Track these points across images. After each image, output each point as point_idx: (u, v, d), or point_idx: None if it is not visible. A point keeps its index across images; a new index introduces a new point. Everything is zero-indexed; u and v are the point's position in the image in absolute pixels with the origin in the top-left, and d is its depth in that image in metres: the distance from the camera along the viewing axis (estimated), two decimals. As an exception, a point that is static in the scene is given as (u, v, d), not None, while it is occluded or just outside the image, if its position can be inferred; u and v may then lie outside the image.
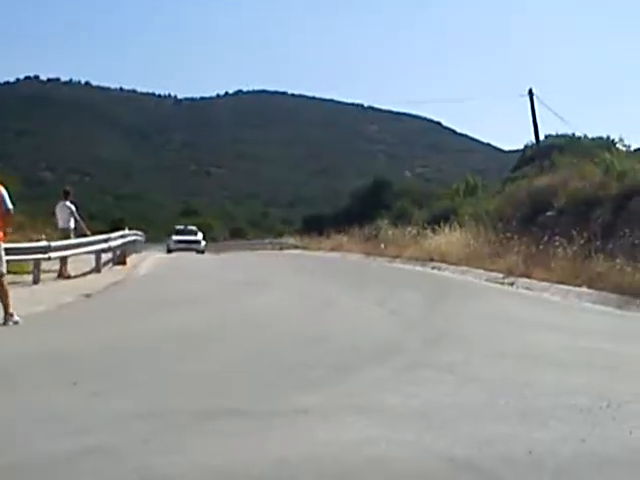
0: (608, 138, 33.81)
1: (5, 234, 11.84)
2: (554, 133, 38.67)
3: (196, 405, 5.97)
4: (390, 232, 32.97)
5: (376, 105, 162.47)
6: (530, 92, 33.78)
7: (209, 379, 7.08)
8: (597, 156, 23.99)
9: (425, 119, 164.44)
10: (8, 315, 10.95)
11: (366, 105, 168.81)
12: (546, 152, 33.48)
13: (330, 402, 6.11)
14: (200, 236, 48.97)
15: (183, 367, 7.62)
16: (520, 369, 7.77)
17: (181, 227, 51.36)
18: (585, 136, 36.59)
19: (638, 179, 19.89)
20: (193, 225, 53.86)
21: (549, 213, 23.13)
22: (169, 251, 43.92)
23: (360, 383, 6.88)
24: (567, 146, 33.59)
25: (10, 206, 11.66)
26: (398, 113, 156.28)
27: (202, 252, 44.84)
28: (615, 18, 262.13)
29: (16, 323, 10.83)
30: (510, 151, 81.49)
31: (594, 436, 5.20)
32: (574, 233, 18.64)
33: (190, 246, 45.43)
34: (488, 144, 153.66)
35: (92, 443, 4.86)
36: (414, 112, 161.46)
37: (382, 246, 30.23)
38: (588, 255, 17.34)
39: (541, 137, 35.42)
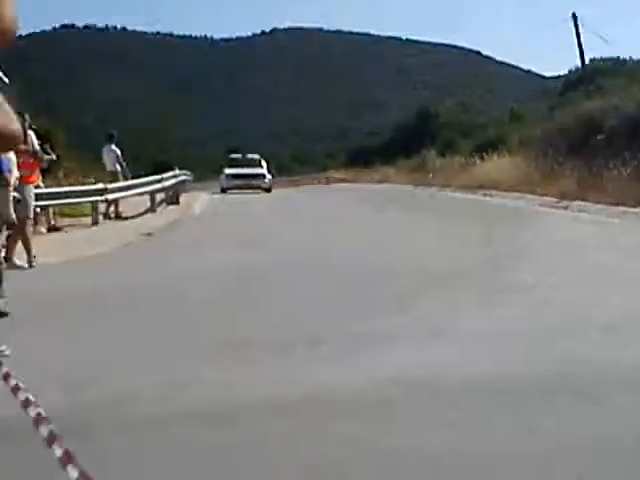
0: (655, 58, 33.20)
1: (36, 177, 12.05)
2: (598, 57, 37.99)
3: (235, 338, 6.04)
4: (437, 162, 32.92)
5: (414, 37, 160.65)
6: (574, 15, 33.25)
7: (275, 313, 7.12)
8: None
9: (464, 49, 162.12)
10: (31, 257, 10.57)
11: (404, 38, 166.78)
12: (591, 76, 32.99)
13: (406, 326, 6.25)
14: (264, 168, 37.74)
15: (258, 304, 7.61)
16: (588, 290, 7.79)
17: (238, 156, 39.94)
18: (630, 58, 35.92)
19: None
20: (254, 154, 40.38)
21: (599, 137, 22.83)
22: (223, 190, 34.95)
23: (427, 309, 7.01)
24: (612, 69, 33.00)
25: (38, 148, 12.08)
26: (436, 44, 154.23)
27: (268, 190, 35.13)
28: None
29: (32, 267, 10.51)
30: (551, 77, 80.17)
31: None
32: (626, 155, 18.44)
33: (250, 182, 35.64)
34: (529, 71, 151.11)
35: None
36: (452, 42, 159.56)
37: (430, 176, 30.19)
38: (642, 176, 17.15)
39: (586, 61, 34.87)
